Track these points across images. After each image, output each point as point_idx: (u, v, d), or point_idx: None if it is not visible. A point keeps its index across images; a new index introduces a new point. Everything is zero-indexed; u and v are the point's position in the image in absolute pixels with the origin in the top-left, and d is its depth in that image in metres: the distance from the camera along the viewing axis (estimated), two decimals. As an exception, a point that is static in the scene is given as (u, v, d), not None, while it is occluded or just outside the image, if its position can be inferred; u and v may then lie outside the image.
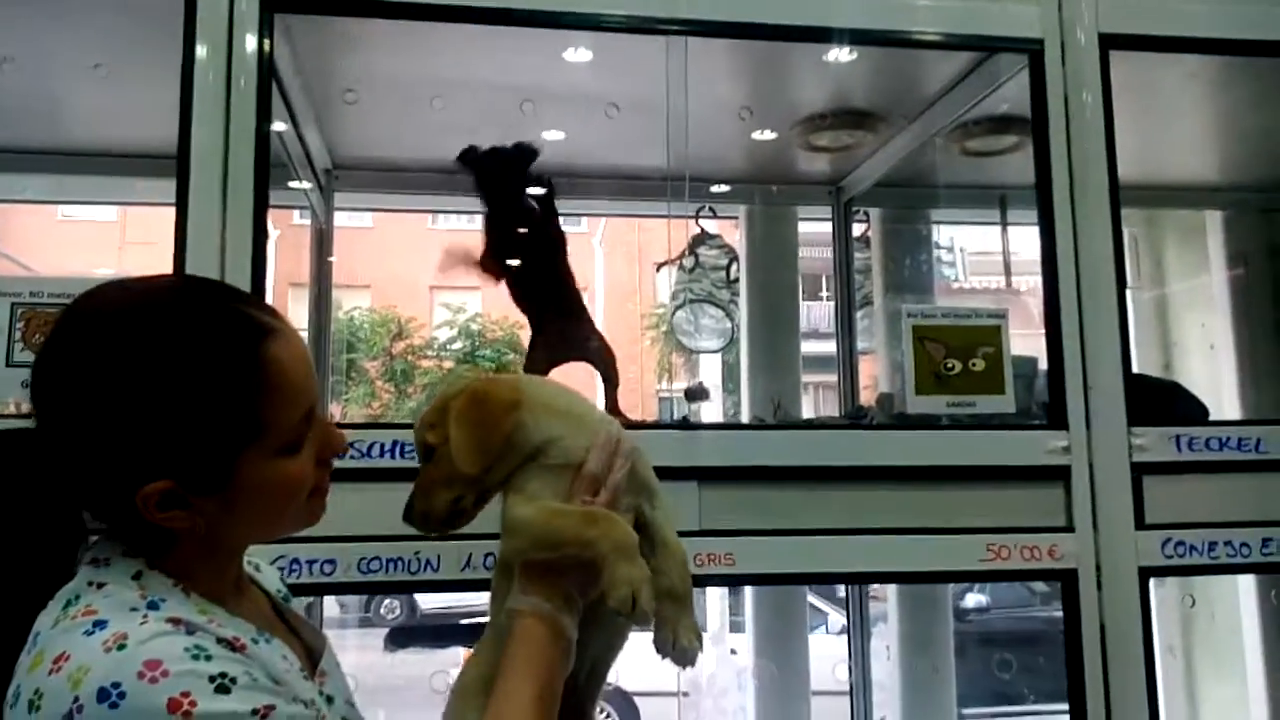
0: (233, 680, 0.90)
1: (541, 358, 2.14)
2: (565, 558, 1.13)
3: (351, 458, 1.78)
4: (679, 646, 1.13)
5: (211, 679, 0.89)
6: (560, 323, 2.17)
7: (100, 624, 0.92)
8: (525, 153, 2.17)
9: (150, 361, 0.96)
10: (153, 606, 0.95)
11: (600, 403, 2.13)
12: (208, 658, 0.91)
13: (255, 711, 0.90)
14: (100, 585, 0.97)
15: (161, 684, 0.87)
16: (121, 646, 0.89)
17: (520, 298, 2.21)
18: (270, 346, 1.00)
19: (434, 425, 1.19)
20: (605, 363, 2.16)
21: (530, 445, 1.17)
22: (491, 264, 2.19)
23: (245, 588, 1.13)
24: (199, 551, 1.02)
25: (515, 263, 2.25)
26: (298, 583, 1.72)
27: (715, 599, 6.10)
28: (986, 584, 7.93)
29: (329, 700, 1.10)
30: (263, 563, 1.23)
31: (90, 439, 0.97)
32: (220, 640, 0.94)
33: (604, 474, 1.18)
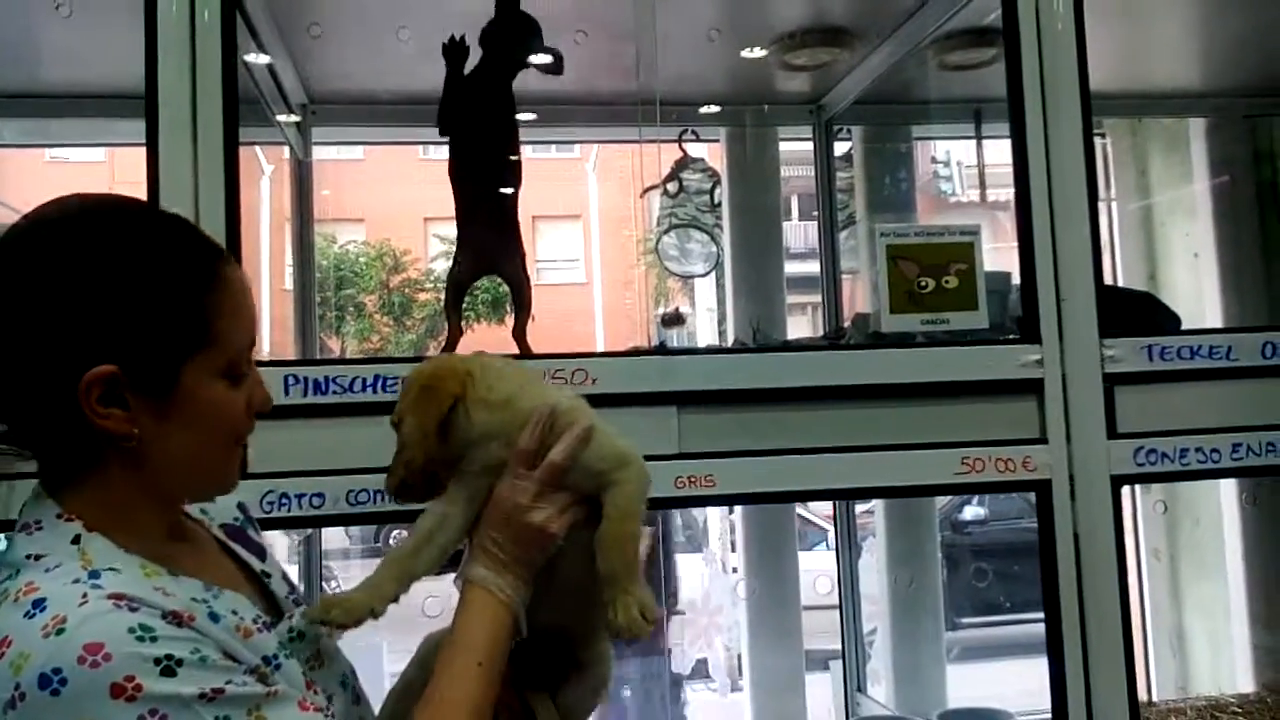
0: (178, 662, 0.89)
1: (467, 268, 2.02)
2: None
3: (334, 392, 1.80)
4: (614, 625, 1.13)
5: (157, 661, 0.88)
6: (489, 227, 2.01)
7: (40, 604, 0.90)
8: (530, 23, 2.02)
9: (116, 248, 0.98)
10: (95, 576, 0.93)
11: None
12: (152, 639, 0.89)
13: (203, 695, 0.89)
14: (39, 557, 0.96)
15: (104, 668, 0.86)
16: (60, 630, 0.87)
17: (459, 175, 2.01)
18: (227, 266, 1.04)
19: (399, 405, 1.22)
20: (519, 286, 2.03)
21: (462, 443, 1.18)
22: (446, 116, 2.01)
23: (189, 537, 1.11)
24: (126, 488, 1.00)
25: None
26: (287, 516, 1.75)
27: (715, 519, 6.21)
28: (984, 497, 8.04)
29: (299, 637, 1.10)
30: None
31: (43, 317, 0.96)
32: (166, 615, 0.92)
33: (537, 450, 1.16)
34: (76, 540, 0.97)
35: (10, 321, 0.97)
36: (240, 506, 1.24)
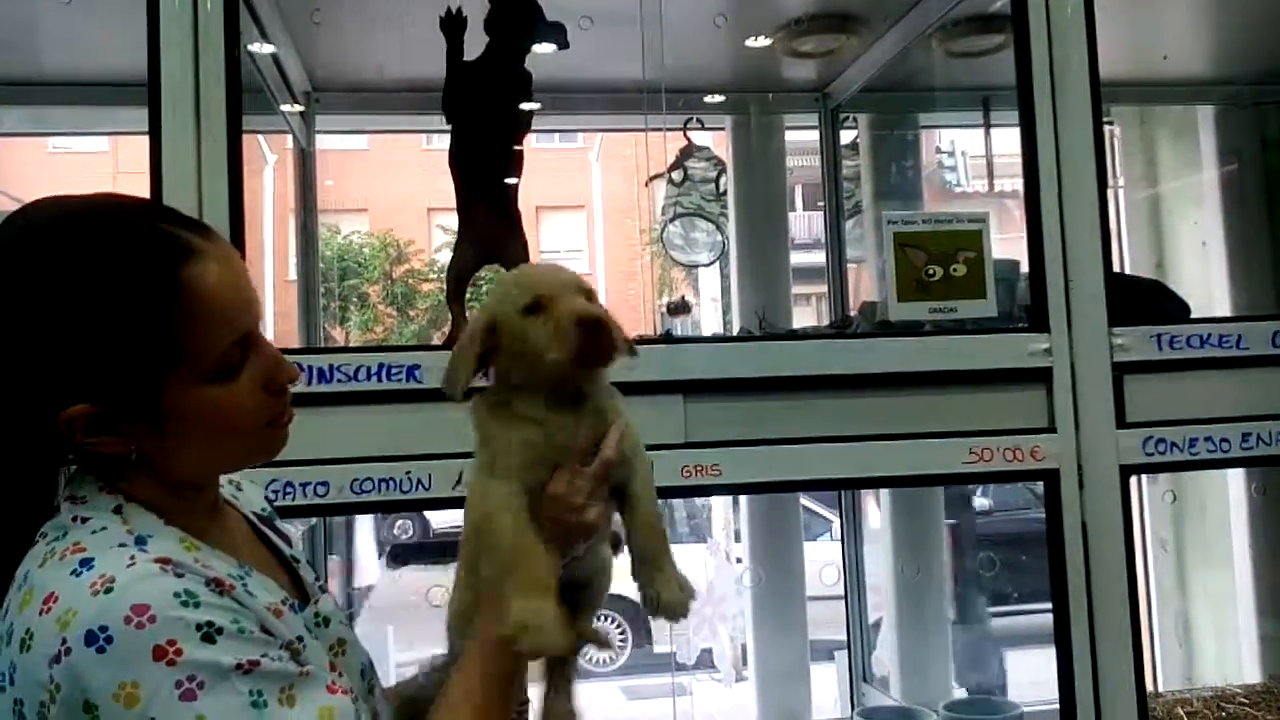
0: (219, 630, 0.90)
1: (469, 258, 1.99)
2: None
3: (338, 380, 1.79)
4: (663, 602, 1.14)
5: (199, 627, 0.89)
6: (490, 215, 1.97)
7: (88, 563, 0.91)
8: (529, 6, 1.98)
9: (63, 280, 0.93)
10: (140, 543, 0.95)
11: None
12: (195, 604, 0.90)
13: (239, 666, 0.90)
14: (85, 520, 0.97)
15: (148, 630, 0.87)
16: (109, 589, 0.89)
17: (460, 162, 1.98)
18: (191, 268, 0.96)
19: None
20: None
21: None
22: (450, 101, 1.97)
23: (222, 516, 1.11)
24: (158, 483, 1.01)
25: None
26: (291, 505, 1.75)
27: (720, 509, 6.20)
28: (989, 487, 8.04)
29: (325, 622, 1.11)
30: (245, 481, 1.22)
31: (7, 358, 0.95)
32: (209, 582, 0.93)
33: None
34: (119, 510, 0.99)
35: None
36: (266, 498, 1.26)
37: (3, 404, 0.97)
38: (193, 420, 0.99)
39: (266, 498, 1.27)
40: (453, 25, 1.94)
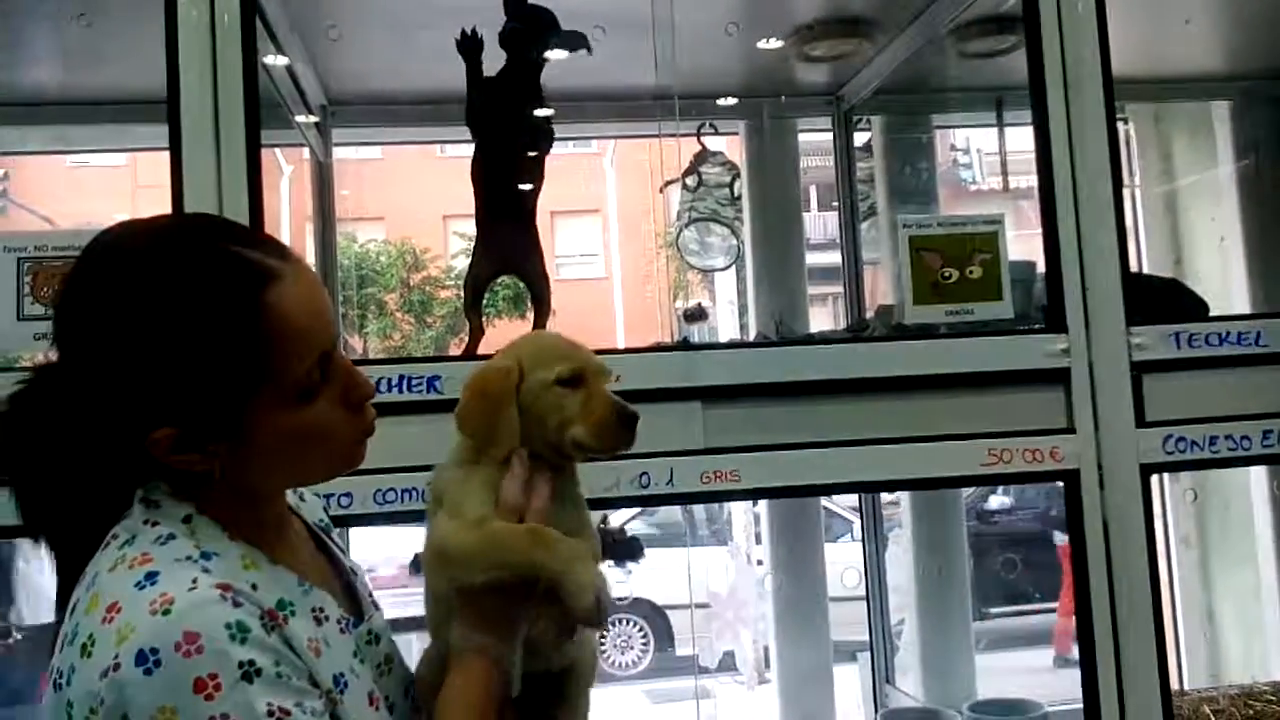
0: (258, 671, 0.91)
1: (486, 268, 2.01)
2: (510, 580, 1.08)
3: (359, 392, 1.81)
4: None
5: (240, 665, 0.91)
6: (509, 227, 1.99)
7: (152, 577, 0.93)
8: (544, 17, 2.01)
9: (149, 308, 0.96)
10: (205, 558, 0.97)
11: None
12: (243, 640, 0.91)
13: (270, 711, 0.91)
14: (154, 524, 0.99)
15: (194, 660, 0.89)
16: (167, 611, 0.90)
17: (481, 174, 1.99)
18: (271, 292, 0.97)
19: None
20: (538, 286, 2.00)
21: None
22: (473, 116, 1.99)
23: (287, 526, 1.12)
24: (232, 494, 1.02)
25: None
26: (316, 516, 1.76)
27: (740, 512, 6.21)
28: (1010, 486, 8.01)
29: (375, 640, 1.11)
30: (307, 492, 1.23)
31: (95, 384, 0.98)
32: (263, 614, 0.95)
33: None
34: (188, 520, 1.00)
35: (72, 383, 1.00)
36: (325, 509, 1.27)
37: (90, 425, 1.00)
38: (277, 440, 1.00)
39: (325, 508, 1.28)
40: (470, 47, 1.96)
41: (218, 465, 1.00)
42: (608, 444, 1.12)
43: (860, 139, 3.19)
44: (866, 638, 3.05)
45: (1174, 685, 2.70)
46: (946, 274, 1.95)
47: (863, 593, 3.09)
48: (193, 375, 0.96)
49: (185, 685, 0.89)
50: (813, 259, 3.32)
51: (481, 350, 1.99)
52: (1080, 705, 1.93)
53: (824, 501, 3.43)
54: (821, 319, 5.06)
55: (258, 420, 0.98)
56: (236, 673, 0.90)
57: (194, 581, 0.94)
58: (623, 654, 7.29)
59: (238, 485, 1.02)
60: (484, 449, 1.13)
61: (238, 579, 0.97)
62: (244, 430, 0.98)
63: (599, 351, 1.82)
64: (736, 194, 2.93)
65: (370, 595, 1.19)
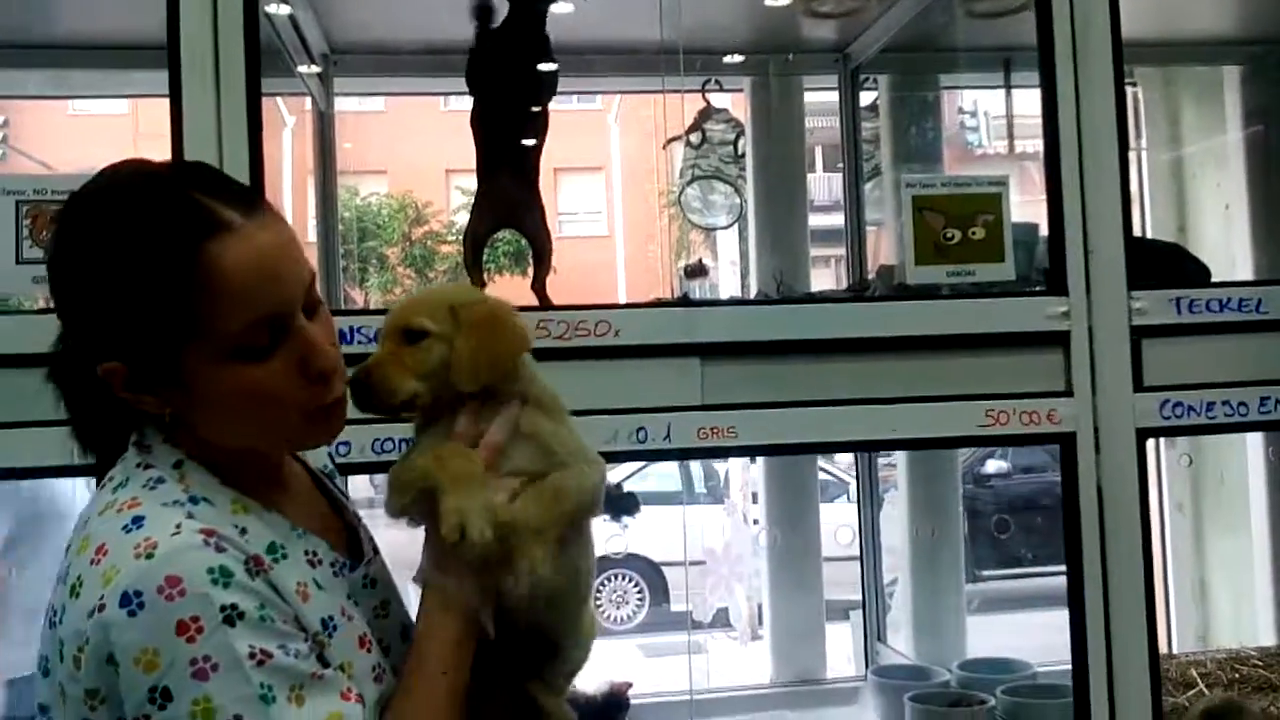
0: (240, 615, 0.92)
1: (485, 222, 1.97)
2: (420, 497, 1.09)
3: (359, 342, 1.81)
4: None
5: (223, 608, 0.91)
6: (510, 180, 1.94)
7: (139, 521, 0.95)
8: None
9: (96, 242, 0.98)
10: (194, 503, 0.98)
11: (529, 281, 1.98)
12: (226, 585, 0.92)
13: (251, 654, 0.92)
14: (147, 466, 1.02)
15: (177, 602, 0.90)
16: (150, 555, 0.92)
17: (481, 126, 1.95)
18: (215, 244, 0.96)
19: (430, 316, 1.12)
20: (539, 241, 1.98)
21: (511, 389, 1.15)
22: (474, 73, 1.95)
23: (283, 471, 1.12)
24: (203, 445, 1.04)
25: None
26: (314, 465, 1.77)
27: (737, 471, 6.24)
28: (1007, 450, 8.04)
29: (371, 584, 1.13)
30: None
31: (62, 316, 1.02)
32: (248, 560, 0.95)
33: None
34: (179, 465, 1.02)
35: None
36: (330, 456, 1.29)
37: (64, 352, 1.05)
38: (217, 395, 1.00)
39: (331, 455, 1.30)
40: (483, 13, 1.94)
41: (167, 412, 1.02)
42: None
43: (866, 99, 3.16)
44: (859, 597, 3.08)
45: (1162, 649, 2.73)
46: (949, 234, 1.95)
47: (856, 553, 3.11)
48: (128, 312, 0.98)
49: (168, 628, 0.90)
50: (816, 221, 3.31)
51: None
52: (1069, 666, 1.95)
53: (820, 463, 3.44)
54: (824, 281, 5.04)
55: (194, 370, 0.99)
56: (218, 616, 0.91)
57: (178, 527, 0.95)
58: (618, 609, 7.38)
59: (197, 434, 1.03)
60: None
61: (225, 524, 0.98)
62: (182, 378, 0.99)
63: (596, 307, 1.85)
64: (740, 152, 2.91)
65: (371, 541, 1.20)
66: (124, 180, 1.02)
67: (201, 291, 0.96)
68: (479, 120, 1.96)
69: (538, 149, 1.98)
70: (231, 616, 0.92)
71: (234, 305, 0.97)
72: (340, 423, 1.07)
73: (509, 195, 1.96)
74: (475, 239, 1.99)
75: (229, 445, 1.04)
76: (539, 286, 1.98)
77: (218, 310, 0.97)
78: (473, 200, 2.02)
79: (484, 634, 1.09)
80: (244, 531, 0.99)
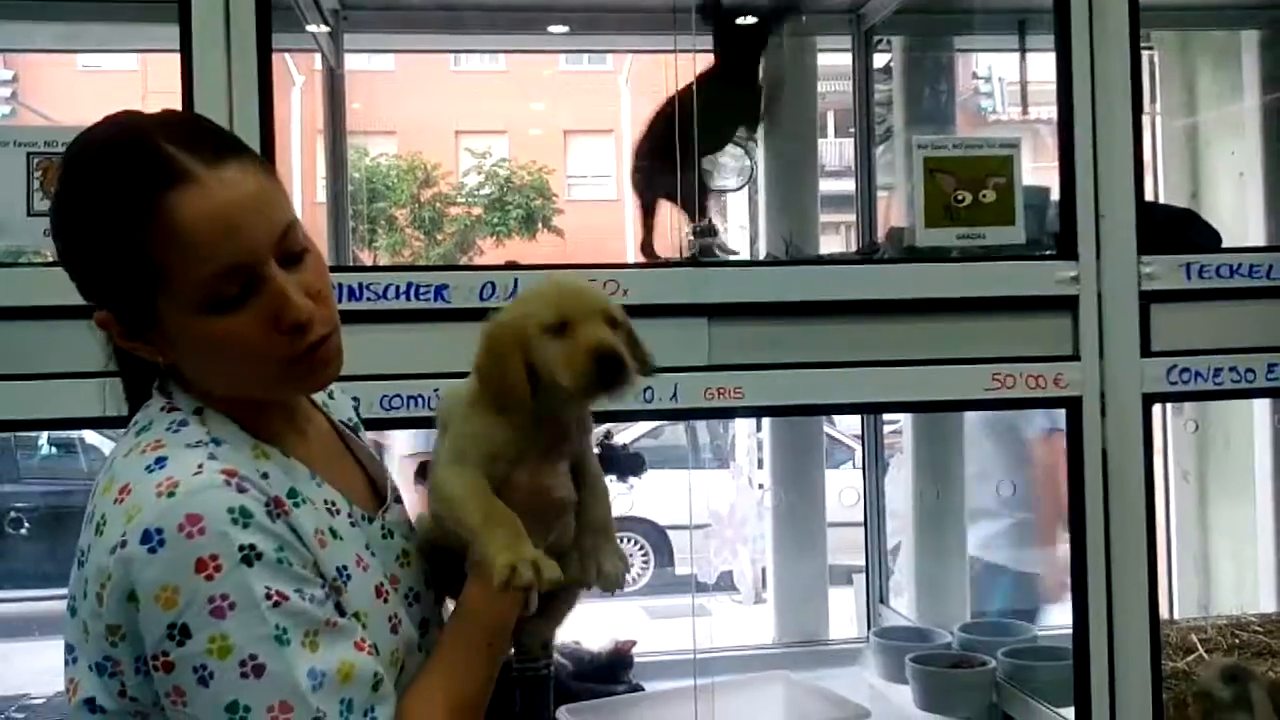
0: (259, 555, 0.93)
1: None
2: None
3: (368, 299, 1.82)
4: (604, 573, 1.17)
5: (241, 548, 0.93)
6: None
7: (161, 461, 0.97)
8: None
9: (73, 195, 1.01)
10: (215, 443, 1.00)
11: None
12: (245, 525, 0.94)
13: (268, 595, 0.93)
14: (171, 409, 1.04)
15: (196, 540, 0.92)
16: (171, 494, 0.94)
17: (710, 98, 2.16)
18: (174, 194, 0.96)
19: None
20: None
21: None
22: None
23: (304, 421, 1.14)
24: (213, 393, 1.06)
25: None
26: (324, 420, 1.79)
27: (743, 435, 6.25)
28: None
29: (389, 534, 1.14)
30: (337, 390, 1.24)
31: (63, 265, 1.04)
32: (269, 502, 0.97)
33: None
34: (199, 412, 1.05)
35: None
36: (355, 408, 1.31)
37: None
38: (190, 344, 1.02)
39: (355, 407, 1.32)
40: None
41: (160, 360, 1.05)
42: (582, 389, 1.11)
43: (879, 61, 3.13)
44: (863, 562, 3.10)
45: (1164, 615, 2.74)
46: (960, 197, 1.94)
47: (860, 518, 3.12)
48: (100, 262, 1.00)
49: (187, 565, 0.92)
50: (827, 186, 3.28)
51: (493, 263, 2.00)
52: (1070, 630, 1.97)
53: (826, 429, 3.44)
54: (833, 246, 5.02)
55: (168, 319, 1.01)
56: (237, 555, 0.93)
57: (199, 466, 0.97)
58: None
59: (190, 382, 1.06)
60: (494, 404, 1.14)
61: (246, 466, 1.00)
62: (160, 326, 1.01)
63: (605, 266, 1.85)
64: (751, 113, 2.88)
65: (395, 491, 1.22)
66: (102, 132, 1.03)
67: (161, 241, 0.97)
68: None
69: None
70: (250, 557, 0.93)
71: (193, 256, 0.97)
72: (326, 370, 1.07)
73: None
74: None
75: (218, 393, 1.05)
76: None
77: (178, 261, 0.97)
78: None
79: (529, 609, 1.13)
80: (265, 476, 1.01)
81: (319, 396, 1.20)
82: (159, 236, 0.97)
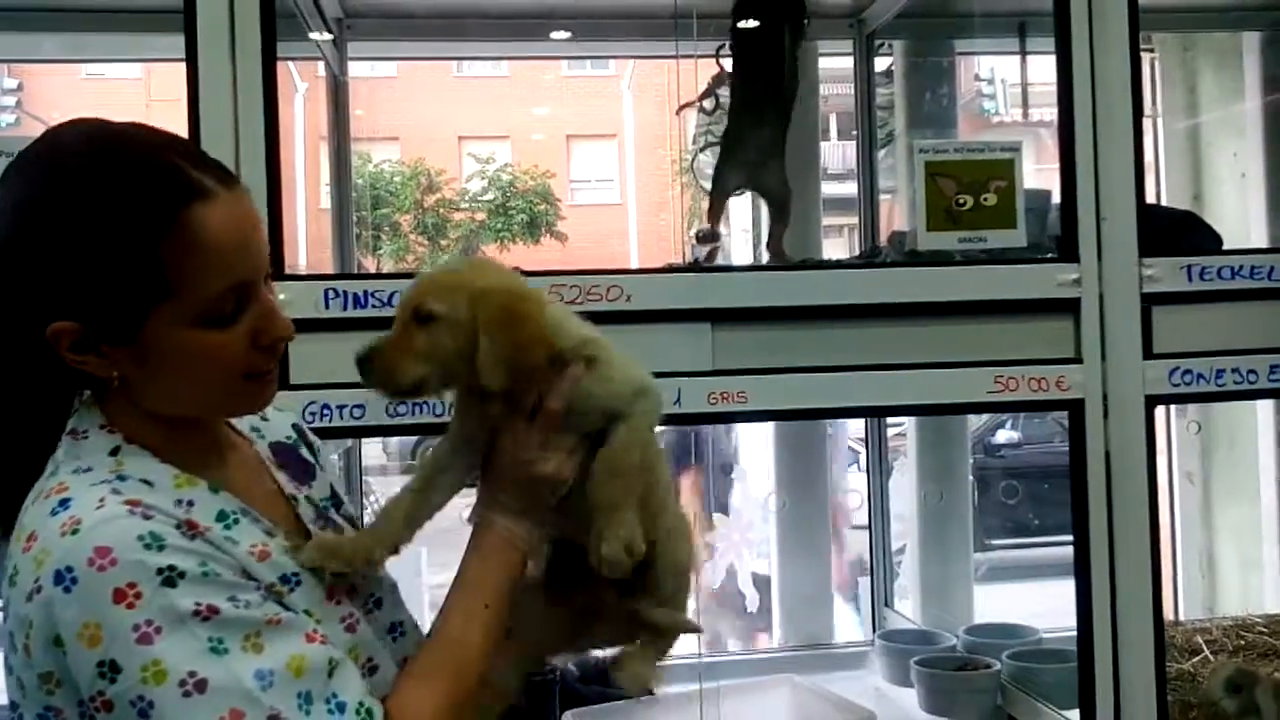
0: (180, 574, 0.91)
1: (731, 178, 2.17)
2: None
3: (373, 306, 1.83)
4: (601, 557, 1.10)
5: (159, 570, 0.91)
6: (758, 136, 2.15)
7: (65, 503, 0.95)
8: None
9: (73, 197, 0.97)
10: (121, 480, 0.98)
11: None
12: (160, 548, 0.92)
13: (197, 612, 0.91)
14: (76, 457, 1.01)
15: (109, 572, 0.90)
16: (75, 531, 0.91)
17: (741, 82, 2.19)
18: (197, 209, 0.97)
19: (443, 300, 1.09)
20: (782, 199, 2.17)
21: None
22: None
23: (228, 451, 1.12)
24: (148, 418, 1.03)
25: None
26: (329, 427, 1.79)
27: (747, 439, 6.26)
28: (1019, 422, 8.04)
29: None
30: (272, 410, 1.20)
31: (10, 268, 0.99)
32: (179, 525, 0.95)
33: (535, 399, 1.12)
34: (115, 452, 1.02)
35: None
36: (295, 426, 1.26)
37: (4, 316, 1.01)
38: (172, 357, 1.00)
39: (296, 425, 1.27)
40: None
41: (115, 376, 1.00)
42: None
43: (881, 65, 3.14)
44: (867, 564, 3.10)
45: (1169, 617, 2.74)
46: (961, 200, 1.95)
47: (864, 521, 3.13)
48: (103, 268, 0.97)
49: (104, 598, 0.90)
50: (829, 189, 3.29)
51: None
52: (1075, 632, 1.97)
53: (830, 431, 3.45)
54: (836, 250, 5.03)
55: (157, 331, 0.99)
56: (156, 579, 0.91)
57: (101, 500, 0.95)
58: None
59: (137, 401, 1.02)
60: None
61: (164, 496, 0.98)
62: (142, 338, 0.99)
63: (608, 272, 1.86)
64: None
65: (318, 520, 1.16)
66: (104, 141, 1.01)
67: (180, 254, 0.97)
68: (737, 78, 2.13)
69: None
70: (171, 578, 0.91)
71: (210, 270, 0.98)
72: (272, 387, 1.08)
73: (757, 161, 2.13)
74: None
75: (164, 412, 1.04)
76: (775, 246, 2.11)
77: (194, 274, 0.98)
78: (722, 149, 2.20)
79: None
80: (190, 504, 0.99)
81: (246, 424, 1.18)
82: (178, 249, 0.97)
